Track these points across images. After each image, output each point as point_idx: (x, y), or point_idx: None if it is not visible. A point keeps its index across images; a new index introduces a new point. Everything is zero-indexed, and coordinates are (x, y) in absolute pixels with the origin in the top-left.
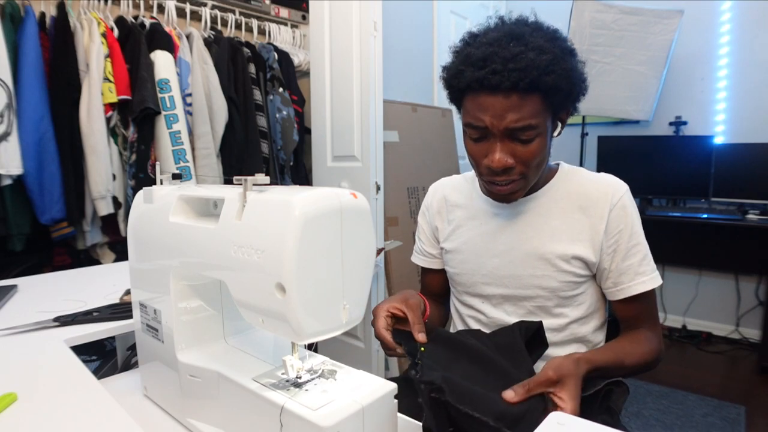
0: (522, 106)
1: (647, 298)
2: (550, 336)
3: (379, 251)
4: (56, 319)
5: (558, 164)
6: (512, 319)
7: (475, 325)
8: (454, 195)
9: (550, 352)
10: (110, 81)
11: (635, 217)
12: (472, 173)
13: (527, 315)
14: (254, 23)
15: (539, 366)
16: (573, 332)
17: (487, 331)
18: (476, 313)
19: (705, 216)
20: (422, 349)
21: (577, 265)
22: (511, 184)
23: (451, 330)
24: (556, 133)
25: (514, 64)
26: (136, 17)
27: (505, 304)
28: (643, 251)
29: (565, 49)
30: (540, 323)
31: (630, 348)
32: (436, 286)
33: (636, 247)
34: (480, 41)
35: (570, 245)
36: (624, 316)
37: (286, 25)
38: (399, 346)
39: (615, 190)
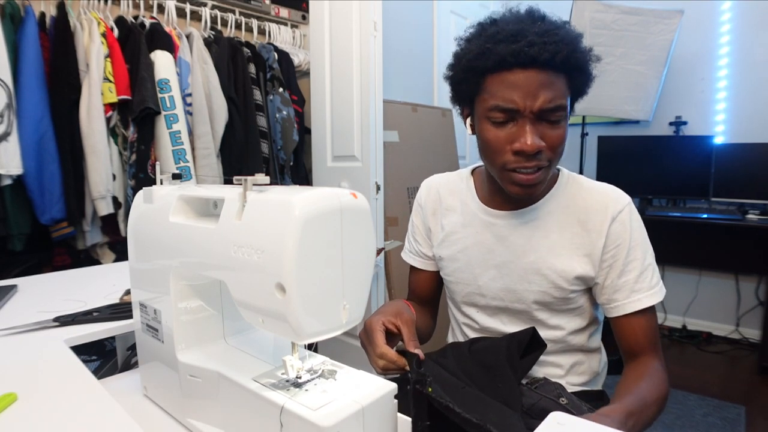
0: (553, 84)
1: (645, 318)
2: (548, 346)
3: (379, 251)
4: (56, 319)
5: (558, 170)
6: (507, 329)
7: (469, 332)
8: (449, 197)
9: (546, 358)
10: (110, 81)
11: (637, 232)
12: (466, 171)
13: (522, 326)
14: (254, 23)
15: (536, 370)
16: (570, 343)
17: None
18: (470, 321)
19: (705, 216)
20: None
21: (574, 282)
22: (540, 171)
23: (449, 333)
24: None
25: (549, 37)
26: (136, 17)
27: (500, 315)
28: (639, 268)
29: (580, 34)
30: (533, 329)
31: (648, 387)
32: (426, 289)
33: (633, 263)
34: (504, 21)
35: (568, 261)
36: (621, 336)
37: (286, 25)
38: (401, 357)
39: (616, 203)
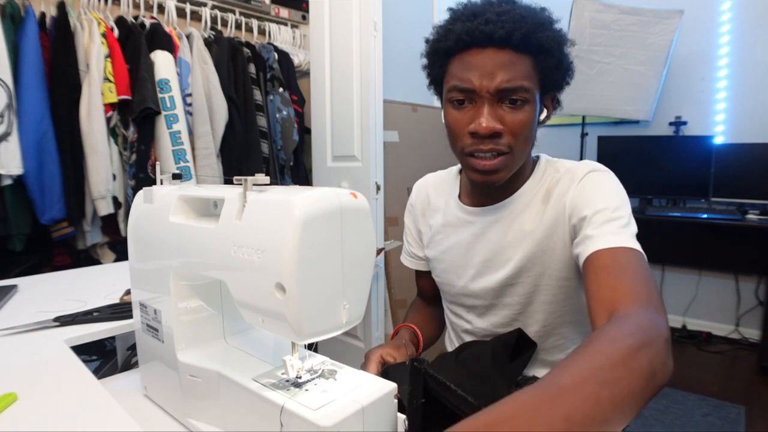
0: (514, 64)
1: (618, 256)
2: (543, 341)
3: (379, 251)
4: (56, 319)
5: (537, 159)
6: (498, 330)
7: (464, 333)
8: (436, 197)
9: (546, 357)
10: (110, 81)
11: (602, 188)
12: (455, 169)
13: (513, 323)
14: (254, 23)
15: (535, 371)
16: (564, 335)
17: (474, 338)
18: (464, 322)
19: (705, 216)
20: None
21: (560, 274)
22: (498, 157)
23: (446, 336)
24: (542, 117)
25: (508, 16)
26: (136, 17)
27: (488, 315)
28: (603, 217)
29: (554, 20)
30: (518, 331)
31: (565, 362)
32: (429, 289)
33: (599, 214)
34: (472, 4)
35: (549, 253)
36: (589, 298)
37: (286, 25)
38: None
39: (580, 169)
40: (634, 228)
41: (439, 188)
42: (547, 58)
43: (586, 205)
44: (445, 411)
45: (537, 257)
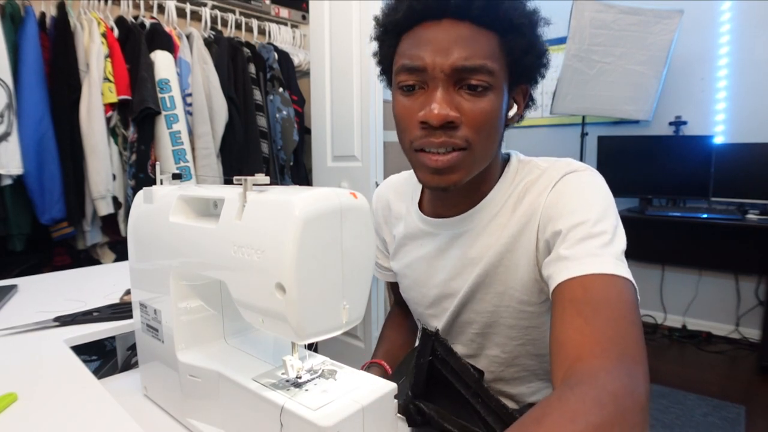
0: (474, 40)
1: (583, 294)
2: (503, 369)
3: None
4: (56, 319)
5: (509, 160)
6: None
7: None
8: (397, 203)
9: (504, 388)
10: (110, 81)
11: (580, 199)
12: None
13: (470, 344)
14: (254, 23)
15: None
16: (526, 368)
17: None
18: None
19: (705, 216)
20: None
21: (532, 299)
22: (453, 153)
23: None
24: (511, 113)
25: None
26: (136, 17)
27: (460, 337)
28: (581, 233)
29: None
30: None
31: None
32: (402, 301)
33: (576, 229)
34: None
35: (522, 271)
36: (551, 338)
37: (286, 25)
38: None
39: (556, 171)
40: (620, 245)
41: (399, 192)
42: (517, 38)
43: (561, 217)
44: (447, 380)
45: (499, 273)
